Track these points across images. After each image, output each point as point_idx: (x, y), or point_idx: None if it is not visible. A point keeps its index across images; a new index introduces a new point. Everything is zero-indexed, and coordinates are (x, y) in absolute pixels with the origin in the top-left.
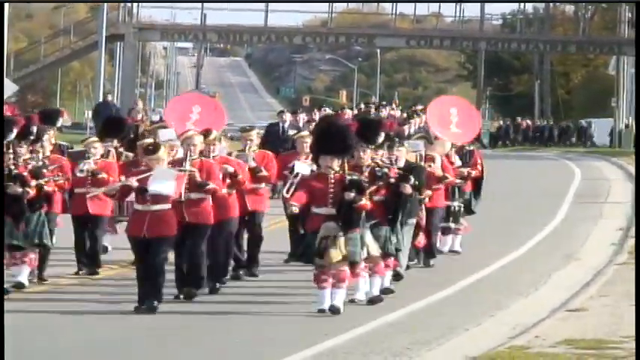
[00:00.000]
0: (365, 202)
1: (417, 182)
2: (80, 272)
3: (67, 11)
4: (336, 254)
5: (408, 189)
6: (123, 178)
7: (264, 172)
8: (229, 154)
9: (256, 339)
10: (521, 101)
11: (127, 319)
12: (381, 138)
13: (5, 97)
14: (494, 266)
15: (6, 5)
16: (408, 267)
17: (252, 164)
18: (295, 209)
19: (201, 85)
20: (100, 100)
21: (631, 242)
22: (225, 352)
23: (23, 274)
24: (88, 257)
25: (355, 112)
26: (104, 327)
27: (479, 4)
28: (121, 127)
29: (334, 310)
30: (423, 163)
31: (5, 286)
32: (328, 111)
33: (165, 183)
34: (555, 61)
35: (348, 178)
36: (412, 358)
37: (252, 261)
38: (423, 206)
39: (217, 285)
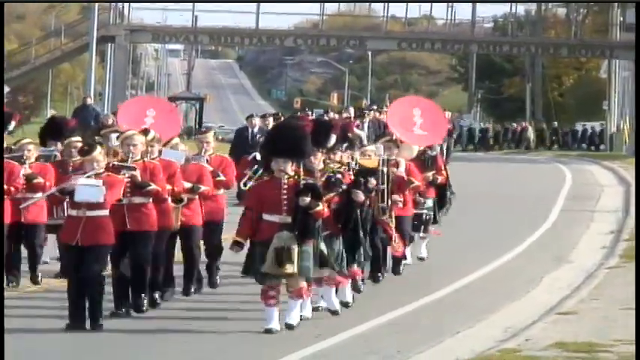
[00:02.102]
0: (322, 208)
1: (372, 188)
2: (11, 285)
3: (58, 13)
4: (290, 267)
5: (360, 196)
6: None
7: (222, 177)
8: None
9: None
10: (513, 104)
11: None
12: (331, 141)
13: None
14: (486, 269)
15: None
16: (377, 278)
17: (209, 169)
18: (239, 249)
19: (192, 90)
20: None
21: (622, 246)
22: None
23: None
24: (30, 268)
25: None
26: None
27: (470, 6)
28: (60, 130)
29: (289, 327)
30: (384, 168)
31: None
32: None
33: (91, 189)
34: (547, 64)
35: (303, 182)
36: None
37: (210, 274)
38: (393, 214)
39: (192, 289)
